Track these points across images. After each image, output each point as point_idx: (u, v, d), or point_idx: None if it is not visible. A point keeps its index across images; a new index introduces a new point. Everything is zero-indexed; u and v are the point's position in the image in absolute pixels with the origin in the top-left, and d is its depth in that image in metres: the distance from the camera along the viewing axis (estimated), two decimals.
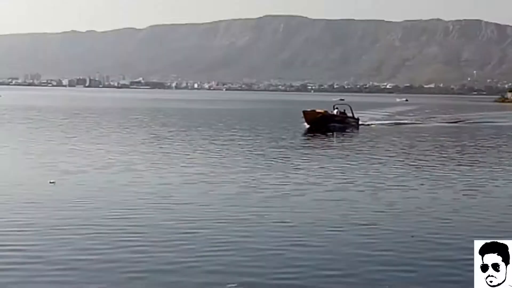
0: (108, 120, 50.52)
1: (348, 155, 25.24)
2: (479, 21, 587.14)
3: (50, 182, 17.47)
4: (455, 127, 51.42)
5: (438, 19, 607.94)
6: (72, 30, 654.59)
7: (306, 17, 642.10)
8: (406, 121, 54.36)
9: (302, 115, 42.32)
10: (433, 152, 27.84)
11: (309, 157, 24.62)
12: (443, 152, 28.23)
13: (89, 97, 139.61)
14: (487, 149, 30.26)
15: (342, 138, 36.25)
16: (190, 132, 38.59)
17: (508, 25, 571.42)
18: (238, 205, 14.03)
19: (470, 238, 10.15)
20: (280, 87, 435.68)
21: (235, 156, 24.45)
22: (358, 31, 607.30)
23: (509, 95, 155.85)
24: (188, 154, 24.60)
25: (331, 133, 37.73)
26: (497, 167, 22.09)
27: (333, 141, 34.01)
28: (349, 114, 44.41)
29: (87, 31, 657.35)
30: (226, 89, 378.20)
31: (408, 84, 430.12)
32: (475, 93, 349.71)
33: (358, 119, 44.91)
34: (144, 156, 24.04)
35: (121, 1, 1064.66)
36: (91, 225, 11.61)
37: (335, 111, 43.46)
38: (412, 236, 11.85)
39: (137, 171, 19.78)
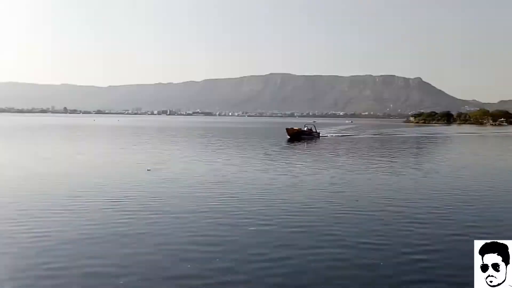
0: (181, 132, 77.90)
1: (313, 152, 39.14)
2: (393, 75, 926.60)
3: (148, 170, 22.98)
4: (379, 137, 71.44)
5: (370, 75, 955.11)
6: (160, 83, 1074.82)
7: (293, 74, 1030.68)
8: (348, 134, 77.15)
9: (285, 131, 60.66)
10: (365, 151, 42.92)
11: (291, 153, 39.02)
12: (371, 150, 44.08)
13: (168, 120, 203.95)
14: (399, 149, 46.00)
15: (310, 144, 50.07)
16: (226, 138, 62.47)
17: (410, 78, 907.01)
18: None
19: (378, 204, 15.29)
20: (279, 114, 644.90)
21: (252, 153, 36.78)
22: (323, 82, 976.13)
23: (411, 118, 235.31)
24: (227, 151, 38.95)
25: (303, 141, 52.47)
26: (404, 159, 33.76)
27: (305, 145, 47.44)
28: (314, 130, 62.11)
29: (168, 83, 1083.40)
30: (248, 116, 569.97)
31: (352, 112, 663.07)
32: (392, 117, 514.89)
33: (319, 133, 63.16)
34: (203, 153, 35.81)
35: (186, 64, 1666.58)
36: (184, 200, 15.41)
37: (305, 128, 60.78)
38: (357, 200, 15.31)
39: (203, 162, 28.30)
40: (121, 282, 8.03)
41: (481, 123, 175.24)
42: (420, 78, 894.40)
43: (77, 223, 12.19)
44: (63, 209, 13.79)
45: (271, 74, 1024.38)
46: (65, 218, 12.79)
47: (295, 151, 41.59)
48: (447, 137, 75.23)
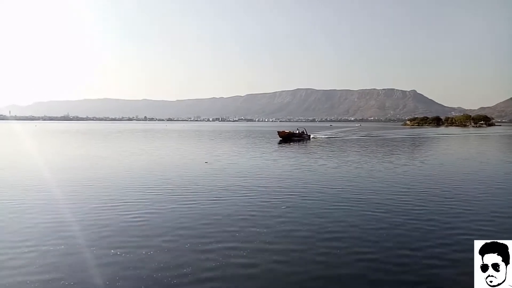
0: (230, 134, 75.47)
1: (303, 151, 34.15)
2: (393, 89, 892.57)
3: (205, 162, 22.98)
4: (367, 138, 58.38)
5: (375, 88, 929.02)
6: (214, 97, 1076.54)
7: (314, 88, 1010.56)
8: (338, 136, 64.27)
9: (277, 133, 52.61)
10: (351, 150, 35.37)
11: (283, 150, 34.50)
12: (361, 149, 36.87)
13: (220, 125, 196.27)
14: (394, 146, 40.92)
15: (300, 144, 42.85)
16: (263, 138, 58.75)
17: (407, 90, 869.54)
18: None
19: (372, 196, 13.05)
20: (303, 120, 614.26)
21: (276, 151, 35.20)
22: (338, 94, 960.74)
23: (408, 122, 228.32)
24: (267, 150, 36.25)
25: (293, 143, 44.26)
26: (395, 156, 29.14)
27: (296, 145, 40.84)
28: (305, 133, 52.86)
29: (220, 97, 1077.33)
30: (279, 121, 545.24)
31: (361, 118, 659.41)
32: (392, 121, 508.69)
33: (310, 135, 53.88)
34: (246, 149, 34.59)
35: (233, 82, 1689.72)
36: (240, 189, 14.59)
37: (297, 131, 51.83)
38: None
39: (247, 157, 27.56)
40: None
41: (465, 125, 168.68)
42: (415, 90, 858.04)
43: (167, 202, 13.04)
44: (152, 191, 14.57)
45: (297, 89, 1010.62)
46: (158, 196, 13.44)
47: (288, 149, 35.71)
48: (428, 137, 63.74)
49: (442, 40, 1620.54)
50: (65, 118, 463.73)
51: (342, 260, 7.40)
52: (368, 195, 13.37)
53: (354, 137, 61.97)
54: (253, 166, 22.09)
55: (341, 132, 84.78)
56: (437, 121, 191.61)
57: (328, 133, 74.75)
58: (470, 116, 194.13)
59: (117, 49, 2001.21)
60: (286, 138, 48.92)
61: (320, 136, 58.49)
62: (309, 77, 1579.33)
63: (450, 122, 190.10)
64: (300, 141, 47.66)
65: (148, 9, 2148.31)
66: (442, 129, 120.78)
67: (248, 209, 11.25)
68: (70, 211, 10.95)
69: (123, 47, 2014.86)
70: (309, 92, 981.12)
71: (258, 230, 9.18)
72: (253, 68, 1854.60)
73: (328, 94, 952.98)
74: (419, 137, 63.16)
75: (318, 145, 41.15)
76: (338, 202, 12.31)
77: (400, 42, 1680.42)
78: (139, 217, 10.39)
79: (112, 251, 7.77)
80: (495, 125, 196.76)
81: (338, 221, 10.02)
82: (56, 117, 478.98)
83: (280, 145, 40.71)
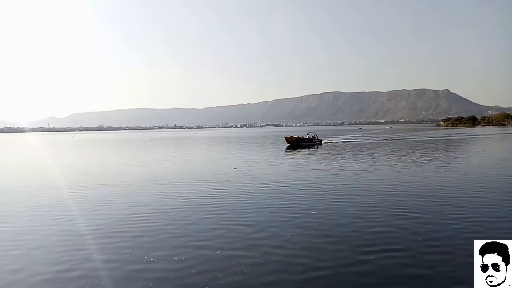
0: (258, 140, 74.10)
1: (313, 155, 33.67)
2: (425, 89, 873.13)
3: (234, 168, 23.31)
4: (386, 142, 53.98)
5: (405, 89, 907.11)
6: (241, 103, 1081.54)
7: (342, 91, 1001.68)
8: (354, 140, 58.71)
9: (284, 139, 49.55)
10: (360, 155, 32.71)
11: (296, 155, 34.35)
12: (375, 154, 33.51)
13: (248, 131, 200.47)
14: (415, 150, 37.01)
15: (311, 149, 40.66)
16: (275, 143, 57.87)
17: (439, 90, 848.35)
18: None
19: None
20: (331, 123, 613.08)
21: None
22: (366, 96, 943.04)
23: (441, 123, 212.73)
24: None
25: (303, 148, 41.59)
26: (411, 161, 26.61)
27: (306, 151, 37.73)
28: (316, 138, 49.41)
29: (247, 103, 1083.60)
30: (308, 126, 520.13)
31: (391, 120, 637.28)
32: (424, 123, 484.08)
33: (321, 140, 50.54)
34: (273, 155, 34.49)
35: (260, 88, 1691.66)
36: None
37: (307, 136, 48.94)
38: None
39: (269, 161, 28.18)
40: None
41: (503, 124, 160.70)
42: (448, 89, 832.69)
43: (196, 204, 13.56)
44: (189, 194, 15.26)
45: (324, 92, 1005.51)
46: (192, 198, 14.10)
47: (300, 154, 34.32)
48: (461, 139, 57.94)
49: (474, 36, 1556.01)
50: (100, 129, 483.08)
51: (341, 256, 7.61)
52: (371, 198, 13.40)
53: (372, 141, 56.78)
54: (276, 172, 22.26)
55: (362, 135, 78.83)
56: (472, 121, 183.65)
57: (344, 137, 68.54)
58: (509, 114, 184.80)
59: (148, 60, 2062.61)
60: (294, 143, 46.38)
61: (334, 141, 54.76)
62: (337, 80, 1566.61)
63: (487, 121, 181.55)
64: (311, 146, 44.45)
65: (179, 19, 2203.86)
66: (478, 129, 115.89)
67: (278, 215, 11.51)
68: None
69: (154, 58, 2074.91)
70: (337, 95, 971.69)
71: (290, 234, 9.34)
72: (280, 73, 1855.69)
73: (357, 97, 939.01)
74: (448, 139, 58.67)
75: (329, 151, 37.67)
76: (344, 209, 12.29)
77: (429, 40, 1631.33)
78: (176, 223, 10.84)
79: (151, 259, 8.12)
80: None
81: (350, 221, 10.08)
82: (91, 127, 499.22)
83: (287, 152, 37.90)
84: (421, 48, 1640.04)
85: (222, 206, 12.64)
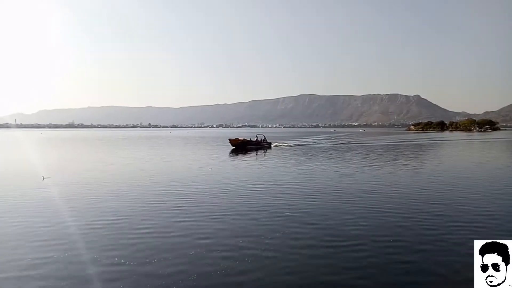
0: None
1: (262, 157, 33.11)
2: (397, 94, 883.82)
3: (209, 169, 22.86)
4: (338, 146, 52.59)
5: (378, 94, 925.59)
6: (217, 104, 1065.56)
7: (317, 94, 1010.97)
8: (305, 144, 56.24)
9: (228, 141, 46.87)
10: (307, 159, 31.69)
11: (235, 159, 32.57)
12: (327, 157, 33.39)
13: (224, 131, 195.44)
14: (370, 155, 35.61)
15: (260, 152, 38.48)
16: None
17: (410, 95, 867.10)
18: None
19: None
20: (307, 126, 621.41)
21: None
22: (341, 100, 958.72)
23: (412, 127, 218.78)
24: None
25: (250, 152, 38.60)
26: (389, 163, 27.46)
27: (257, 154, 36.66)
28: (264, 140, 46.33)
29: (224, 103, 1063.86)
30: (284, 127, 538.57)
31: (365, 123, 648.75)
32: (396, 126, 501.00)
33: (270, 143, 47.88)
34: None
35: (236, 89, 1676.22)
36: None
37: (255, 139, 45.92)
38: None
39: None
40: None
41: (469, 130, 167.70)
42: (418, 95, 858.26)
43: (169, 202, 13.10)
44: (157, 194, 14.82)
45: (300, 95, 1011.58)
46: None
47: (246, 157, 32.53)
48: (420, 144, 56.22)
49: (445, 45, 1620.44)
50: (70, 126, 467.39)
51: (338, 260, 7.45)
52: (362, 200, 13.45)
53: (329, 144, 54.16)
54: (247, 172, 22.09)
55: (319, 139, 74.47)
56: (441, 126, 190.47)
57: (300, 140, 64.48)
58: (475, 120, 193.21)
59: (121, 57, 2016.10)
60: (240, 146, 43.57)
61: (286, 144, 52.00)
62: (312, 83, 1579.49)
63: (455, 126, 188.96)
64: (258, 149, 41.96)
65: (151, 16, 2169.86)
66: (446, 134, 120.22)
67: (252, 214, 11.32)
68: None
69: (127, 55, 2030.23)
70: (312, 97, 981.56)
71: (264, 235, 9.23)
72: (256, 74, 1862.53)
73: (332, 100, 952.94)
74: (413, 144, 56.67)
75: (276, 154, 35.28)
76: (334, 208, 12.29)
77: (403, 47, 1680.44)
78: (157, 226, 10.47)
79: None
80: (500, 129, 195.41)
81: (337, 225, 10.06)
82: (61, 125, 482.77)
83: (231, 156, 35.01)
84: (394, 54, 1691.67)
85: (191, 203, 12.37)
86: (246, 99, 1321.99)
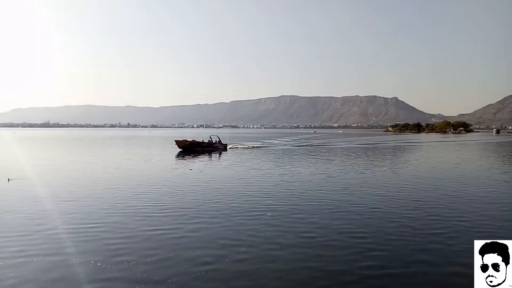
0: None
1: (214, 159, 31.44)
2: (376, 96, 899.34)
3: (190, 170, 22.56)
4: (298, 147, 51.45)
5: (357, 95, 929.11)
6: (198, 104, 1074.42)
7: (298, 95, 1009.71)
8: (263, 146, 52.23)
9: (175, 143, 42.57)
10: (262, 160, 30.89)
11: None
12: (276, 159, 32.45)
13: (205, 132, 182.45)
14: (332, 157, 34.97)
15: (212, 154, 36.09)
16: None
17: (389, 97, 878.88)
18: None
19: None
20: (288, 126, 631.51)
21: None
22: (322, 101, 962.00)
23: (390, 128, 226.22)
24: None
25: (201, 154, 35.67)
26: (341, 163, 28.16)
27: (211, 157, 33.72)
28: (219, 142, 43.66)
29: (204, 103, 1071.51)
30: (265, 128, 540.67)
31: (344, 124, 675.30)
32: (374, 128, 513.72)
33: (226, 145, 44.66)
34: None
35: (218, 89, 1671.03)
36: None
37: (208, 139, 43.23)
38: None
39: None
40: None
41: (445, 132, 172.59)
42: (396, 97, 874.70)
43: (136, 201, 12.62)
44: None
45: (282, 96, 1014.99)
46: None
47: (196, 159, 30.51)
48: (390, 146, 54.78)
49: (420, 48, 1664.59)
50: (45, 125, 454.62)
51: (340, 263, 7.28)
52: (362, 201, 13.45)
53: (289, 146, 51.64)
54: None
55: (285, 141, 70.31)
56: (418, 128, 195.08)
57: (253, 143, 57.69)
58: (450, 122, 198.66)
59: (99, 54, 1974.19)
60: (188, 148, 40.21)
61: (242, 146, 48.37)
62: (294, 84, 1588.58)
63: (431, 128, 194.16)
64: (211, 152, 39.00)
65: (131, 12, 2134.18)
66: (422, 136, 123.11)
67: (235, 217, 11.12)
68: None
69: (106, 53, 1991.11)
70: (294, 99, 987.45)
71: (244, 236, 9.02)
72: (238, 75, 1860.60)
73: (312, 101, 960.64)
74: (375, 147, 53.70)
75: (229, 157, 32.65)
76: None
77: (382, 51, 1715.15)
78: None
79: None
80: (473, 131, 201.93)
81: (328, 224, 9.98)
82: (36, 124, 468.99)
83: (181, 157, 33.09)
84: (373, 56, 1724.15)
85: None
86: (227, 99, 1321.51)
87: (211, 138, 44.00)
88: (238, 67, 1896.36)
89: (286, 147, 50.98)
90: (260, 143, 60.24)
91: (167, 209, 11.66)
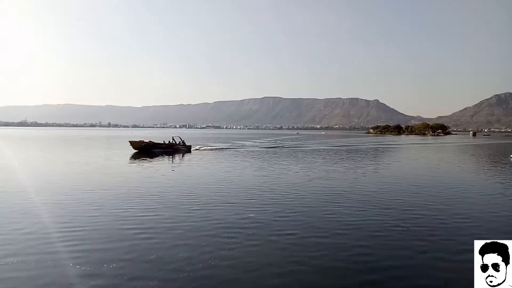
0: (201, 141, 66.89)
1: (168, 162, 29.49)
2: (357, 98, 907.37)
3: (172, 170, 22.20)
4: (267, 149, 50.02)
5: (340, 97, 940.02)
6: (181, 104, 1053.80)
7: (282, 97, 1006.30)
8: (228, 147, 49.91)
9: (129, 143, 40.50)
10: (224, 161, 30.22)
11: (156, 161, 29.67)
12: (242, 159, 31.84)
13: (188, 132, 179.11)
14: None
15: (172, 156, 34.04)
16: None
17: (370, 100, 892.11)
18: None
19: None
20: (271, 127, 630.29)
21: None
22: (305, 103, 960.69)
23: (371, 130, 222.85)
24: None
25: (157, 156, 34.02)
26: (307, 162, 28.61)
27: (169, 159, 31.76)
28: (181, 143, 42.00)
29: (187, 104, 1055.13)
30: (248, 128, 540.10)
31: (326, 126, 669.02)
32: (356, 129, 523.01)
33: (190, 146, 42.51)
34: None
35: (201, 89, 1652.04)
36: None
37: (169, 140, 41.32)
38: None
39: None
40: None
41: (424, 134, 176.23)
42: (377, 99, 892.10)
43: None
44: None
45: (265, 97, 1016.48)
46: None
47: (157, 161, 28.51)
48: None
49: (403, 53, 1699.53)
50: (23, 124, 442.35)
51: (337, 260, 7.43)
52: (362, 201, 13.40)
53: (257, 148, 49.56)
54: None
55: (247, 144, 63.26)
56: (398, 130, 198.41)
57: (222, 145, 55.24)
58: (429, 124, 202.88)
59: (79, 52, 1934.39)
60: (144, 149, 38.27)
61: (209, 148, 46.14)
62: (277, 86, 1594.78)
63: (410, 130, 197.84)
64: (173, 153, 36.65)
65: (113, 11, 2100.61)
66: (402, 137, 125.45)
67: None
68: None
69: (86, 51, 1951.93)
70: (277, 100, 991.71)
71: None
72: (221, 76, 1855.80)
73: (296, 103, 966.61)
74: (346, 149, 51.79)
75: (188, 160, 31.07)
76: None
77: (364, 54, 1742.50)
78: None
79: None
80: (451, 133, 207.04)
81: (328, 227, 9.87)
82: (13, 122, 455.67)
83: (137, 158, 31.08)
84: (355, 59, 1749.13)
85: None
86: (211, 100, 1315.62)
87: (173, 139, 41.93)
88: (221, 67, 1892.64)
89: (256, 148, 48.82)
90: (230, 144, 58.45)
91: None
